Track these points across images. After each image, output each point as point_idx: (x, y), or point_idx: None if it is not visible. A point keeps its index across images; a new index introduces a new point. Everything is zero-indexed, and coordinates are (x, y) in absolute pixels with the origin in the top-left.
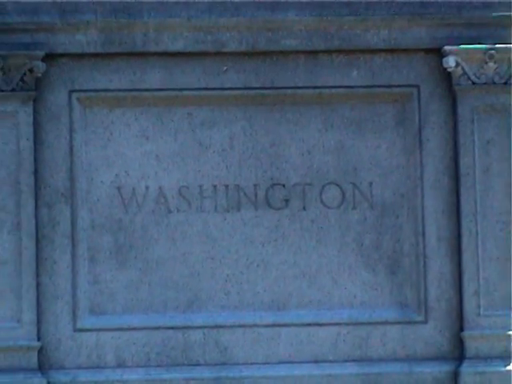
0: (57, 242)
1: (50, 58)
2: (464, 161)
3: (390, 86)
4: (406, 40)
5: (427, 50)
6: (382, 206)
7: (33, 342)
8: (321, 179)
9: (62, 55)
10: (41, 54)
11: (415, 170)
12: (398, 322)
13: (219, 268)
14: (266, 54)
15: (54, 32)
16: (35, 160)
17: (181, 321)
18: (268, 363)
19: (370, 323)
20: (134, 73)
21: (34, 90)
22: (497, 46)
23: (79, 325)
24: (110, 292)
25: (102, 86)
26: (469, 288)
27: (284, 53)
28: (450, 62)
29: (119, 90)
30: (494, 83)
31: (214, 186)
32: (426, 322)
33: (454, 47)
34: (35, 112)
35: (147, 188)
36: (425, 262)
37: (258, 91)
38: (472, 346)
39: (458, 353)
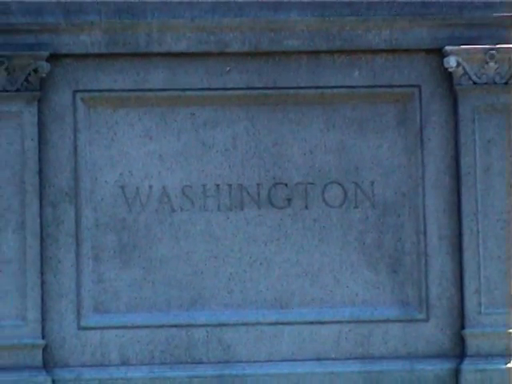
0: (61, 241)
1: (54, 58)
2: (465, 160)
3: (391, 86)
4: (407, 40)
5: (428, 50)
6: (384, 205)
7: (37, 340)
8: (323, 178)
9: (67, 55)
10: (45, 54)
11: (416, 170)
12: (400, 320)
13: (222, 266)
14: (268, 54)
15: (59, 32)
16: (40, 160)
17: (184, 319)
18: (271, 361)
19: (371, 321)
20: (137, 73)
21: (38, 90)
22: (498, 46)
23: (83, 323)
24: (114, 290)
25: (106, 87)
26: (470, 286)
27: (286, 53)
28: (451, 62)
29: (123, 90)
30: (495, 83)
31: (217, 186)
32: (427, 320)
33: (455, 47)
34: (40, 112)
35: (151, 187)
36: (426, 261)
37: (260, 91)
38: (473, 343)
39: (459, 350)
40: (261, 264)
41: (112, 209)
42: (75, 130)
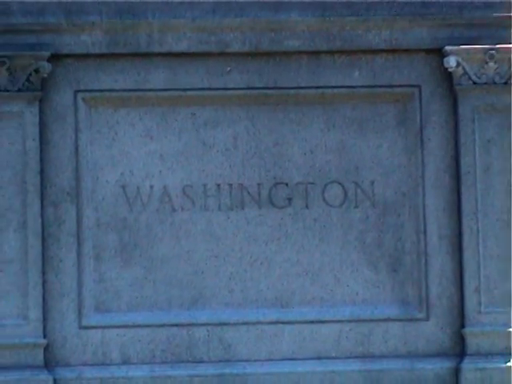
0: (62, 241)
1: (55, 58)
2: (465, 160)
3: (391, 86)
4: (407, 40)
5: (428, 51)
6: (384, 204)
7: (39, 339)
8: (323, 178)
9: (68, 56)
10: (46, 54)
11: (416, 169)
12: (400, 319)
13: (223, 266)
14: (269, 54)
15: (60, 33)
16: (41, 160)
17: (185, 318)
18: (271, 360)
19: (372, 320)
20: (138, 73)
21: (39, 90)
22: (497, 46)
23: (85, 322)
24: (115, 290)
25: (107, 86)
26: (470, 285)
27: (287, 53)
28: (451, 62)
29: (124, 90)
30: (495, 83)
31: (218, 185)
32: (427, 319)
33: (455, 47)
34: (41, 112)
35: (152, 187)
36: (426, 260)
37: (261, 91)
38: (473, 342)
39: (459, 349)
40: (261, 263)
41: (113, 208)
42: (76, 130)
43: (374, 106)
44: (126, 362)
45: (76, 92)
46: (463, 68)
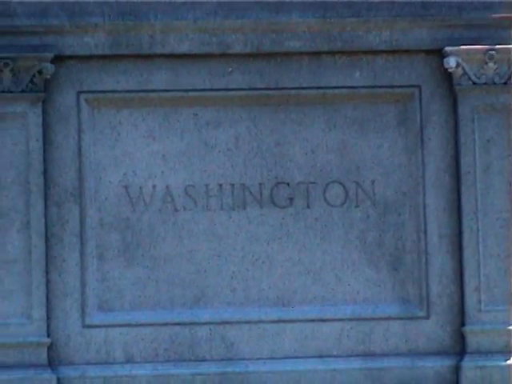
0: (66, 241)
1: (58, 59)
2: (465, 159)
3: (391, 87)
4: (407, 41)
5: (428, 51)
6: (385, 203)
7: (43, 338)
8: (324, 178)
9: (71, 57)
10: (50, 55)
11: (417, 169)
12: (401, 318)
13: (225, 265)
14: (270, 55)
15: (63, 34)
16: (44, 160)
17: (188, 317)
18: (273, 358)
19: (373, 319)
20: (140, 74)
21: (43, 91)
22: (497, 46)
23: (88, 321)
24: (118, 289)
25: (110, 87)
26: (470, 284)
27: (288, 54)
28: (451, 62)
29: (126, 91)
30: (494, 83)
31: (220, 185)
32: (427, 317)
33: (455, 48)
34: (44, 113)
35: (154, 187)
36: (426, 259)
37: (262, 92)
38: (473, 340)
39: (459, 347)
40: (263, 262)
41: (116, 208)
42: (79, 131)
43: (374, 106)
44: (129, 360)
45: (79, 93)
46: (463, 68)
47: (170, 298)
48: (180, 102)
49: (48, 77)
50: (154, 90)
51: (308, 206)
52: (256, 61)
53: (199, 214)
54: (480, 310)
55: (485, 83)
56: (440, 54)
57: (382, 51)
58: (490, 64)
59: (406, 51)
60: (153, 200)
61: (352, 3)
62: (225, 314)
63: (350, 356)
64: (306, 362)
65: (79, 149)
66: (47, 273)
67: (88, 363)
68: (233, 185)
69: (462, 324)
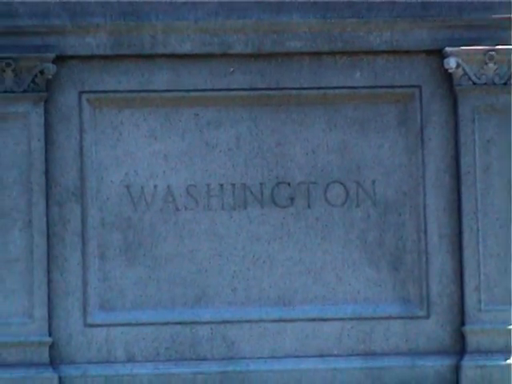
0: (67, 240)
1: (60, 60)
2: (465, 160)
3: (392, 87)
4: (407, 42)
5: (428, 52)
6: (385, 203)
7: (44, 337)
8: (325, 178)
9: (72, 57)
10: (51, 56)
11: (417, 169)
12: (401, 317)
13: (226, 265)
14: (271, 55)
15: (65, 35)
16: (46, 160)
17: (189, 316)
18: (274, 357)
19: (373, 318)
20: (142, 74)
21: (44, 91)
22: (497, 47)
23: (89, 320)
24: (120, 288)
25: (111, 88)
26: (470, 284)
27: (289, 54)
28: (451, 63)
29: (128, 91)
30: (494, 84)
31: (221, 185)
32: (428, 316)
33: (455, 48)
34: (46, 113)
35: (155, 187)
36: (427, 259)
37: (263, 92)
38: (473, 340)
39: (459, 347)
40: (264, 262)
41: (117, 208)
42: (81, 131)
43: (375, 106)
44: (130, 359)
45: (80, 93)
46: (463, 69)
47: (172, 298)
48: (181, 102)
49: (50, 77)
50: (155, 90)
51: (309, 206)
52: (257, 61)
53: (200, 214)
54: (480, 310)
55: (485, 84)
56: (440, 55)
57: (383, 52)
58: (490, 64)
59: (407, 52)
60: (154, 200)
61: (353, 4)
62: (226, 314)
63: (351, 355)
64: (307, 361)
65: (81, 148)
66: (49, 272)
67: (89, 362)
68: (234, 185)
69: (462, 323)
